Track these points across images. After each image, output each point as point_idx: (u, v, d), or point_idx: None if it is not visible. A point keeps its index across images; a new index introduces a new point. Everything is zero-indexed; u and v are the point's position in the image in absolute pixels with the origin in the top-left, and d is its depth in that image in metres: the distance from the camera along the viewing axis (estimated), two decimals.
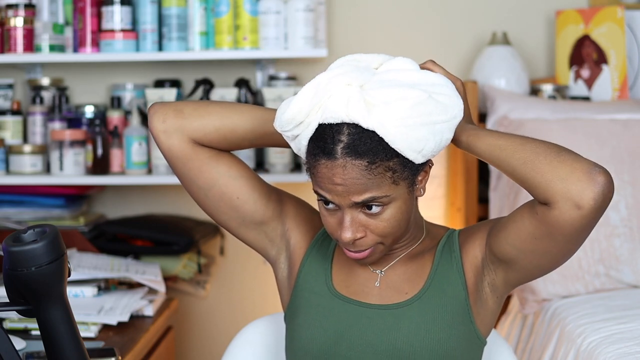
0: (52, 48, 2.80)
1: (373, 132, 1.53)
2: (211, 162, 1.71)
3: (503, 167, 1.56)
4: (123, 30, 2.78)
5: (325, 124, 1.56)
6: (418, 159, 1.57)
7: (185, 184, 1.74)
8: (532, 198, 1.58)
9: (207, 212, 1.77)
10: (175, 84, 2.97)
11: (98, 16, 2.80)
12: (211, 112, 1.70)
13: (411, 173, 1.59)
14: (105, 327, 2.24)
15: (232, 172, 1.71)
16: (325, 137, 1.55)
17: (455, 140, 1.63)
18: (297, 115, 1.57)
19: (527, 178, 1.53)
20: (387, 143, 1.54)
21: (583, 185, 1.47)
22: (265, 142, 1.73)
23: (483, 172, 2.95)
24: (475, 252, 1.68)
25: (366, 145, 1.53)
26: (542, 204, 1.53)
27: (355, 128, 1.54)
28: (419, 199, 1.68)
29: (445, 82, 1.61)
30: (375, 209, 1.58)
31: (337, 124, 1.55)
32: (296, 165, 2.88)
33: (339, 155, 1.54)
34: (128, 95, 2.97)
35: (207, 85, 2.90)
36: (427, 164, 1.62)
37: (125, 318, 2.26)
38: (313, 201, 1.71)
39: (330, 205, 1.60)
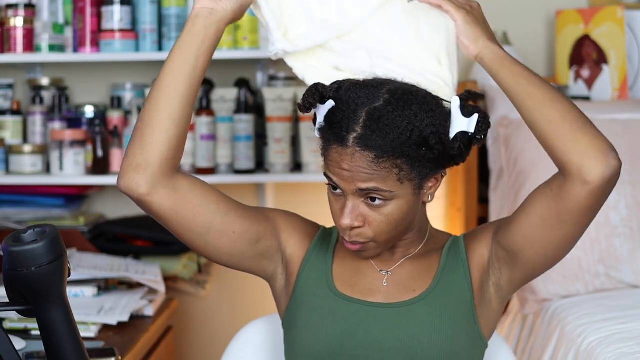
0: (52, 48, 2.80)
1: (388, 128, 1.56)
2: (201, 202, 1.66)
3: (525, 110, 1.60)
4: (123, 30, 2.78)
5: (343, 108, 1.59)
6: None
7: (183, 237, 1.70)
8: (536, 193, 1.61)
9: (208, 257, 1.74)
10: None
11: (98, 16, 2.80)
12: (152, 130, 1.61)
13: (419, 176, 1.60)
14: (105, 327, 2.24)
15: (221, 208, 1.68)
16: (342, 124, 1.58)
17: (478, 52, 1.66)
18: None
19: (547, 137, 1.57)
20: (399, 142, 1.56)
21: (597, 164, 1.52)
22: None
23: (483, 172, 2.94)
24: (482, 251, 1.70)
25: (377, 141, 1.56)
26: (558, 178, 1.57)
27: (371, 120, 1.56)
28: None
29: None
30: (377, 202, 1.60)
31: (354, 111, 1.58)
32: (296, 166, 2.88)
33: (350, 144, 1.58)
34: (128, 95, 2.97)
35: (207, 85, 2.90)
36: (439, 172, 1.64)
37: (125, 318, 2.26)
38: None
39: (338, 191, 1.63)
